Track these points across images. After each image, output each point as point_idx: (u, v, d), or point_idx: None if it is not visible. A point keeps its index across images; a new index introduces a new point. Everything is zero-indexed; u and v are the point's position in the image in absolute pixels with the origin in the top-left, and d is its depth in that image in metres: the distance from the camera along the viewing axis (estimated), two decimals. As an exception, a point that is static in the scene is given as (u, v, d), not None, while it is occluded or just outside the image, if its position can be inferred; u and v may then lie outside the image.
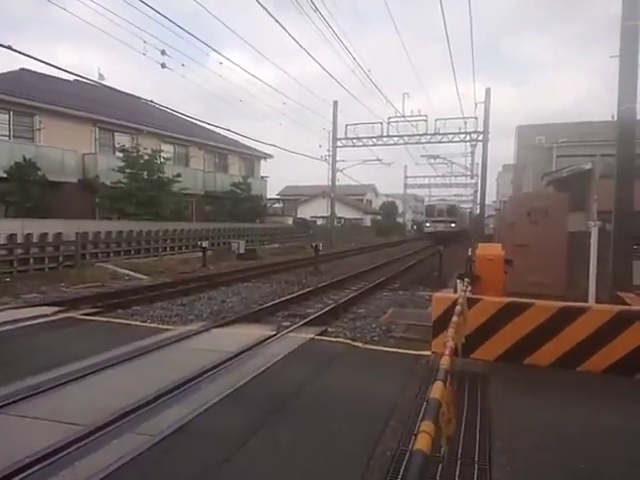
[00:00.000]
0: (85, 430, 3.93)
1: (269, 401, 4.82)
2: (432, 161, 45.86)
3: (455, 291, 7.61)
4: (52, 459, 3.49)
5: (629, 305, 6.85)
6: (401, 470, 3.47)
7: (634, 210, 9.28)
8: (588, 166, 14.52)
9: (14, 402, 4.58)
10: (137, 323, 8.77)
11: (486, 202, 35.00)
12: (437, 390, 2.02)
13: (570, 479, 3.49)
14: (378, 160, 39.88)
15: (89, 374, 5.51)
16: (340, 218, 50.69)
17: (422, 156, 43.96)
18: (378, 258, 24.81)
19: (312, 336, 7.49)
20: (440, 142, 33.12)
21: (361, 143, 34.68)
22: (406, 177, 62.89)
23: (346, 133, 34.68)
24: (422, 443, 1.54)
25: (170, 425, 4.13)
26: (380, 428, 4.18)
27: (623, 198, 9.21)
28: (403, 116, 32.92)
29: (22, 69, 25.92)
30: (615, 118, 9.55)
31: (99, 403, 4.66)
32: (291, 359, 6.34)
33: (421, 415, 4.22)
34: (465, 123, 31.77)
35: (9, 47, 12.37)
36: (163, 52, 17.01)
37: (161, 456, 3.69)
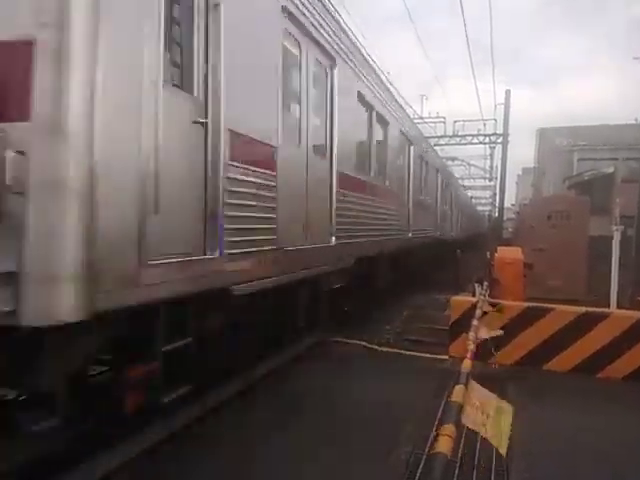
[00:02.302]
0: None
1: (284, 402, 4.84)
2: (450, 163, 45.38)
3: (473, 295, 7.55)
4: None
5: (651, 311, 6.71)
6: (417, 474, 3.45)
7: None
8: (610, 170, 14.28)
9: None
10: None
11: (505, 205, 34.57)
12: (458, 393, 2.01)
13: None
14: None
15: None
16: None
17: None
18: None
19: (327, 337, 7.47)
20: (459, 144, 32.80)
21: (378, 144, 34.46)
22: (423, 178, 62.16)
23: (363, 134, 34.52)
24: (443, 446, 1.54)
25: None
26: (396, 431, 4.15)
27: (646, 202, 9.06)
28: (421, 118, 32.73)
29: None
30: (638, 121, 9.38)
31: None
32: (306, 359, 6.34)
33: (438, 418, 4.19)
34: (484, 125, 31.41)
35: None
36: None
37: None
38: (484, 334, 4.47)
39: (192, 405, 4.46)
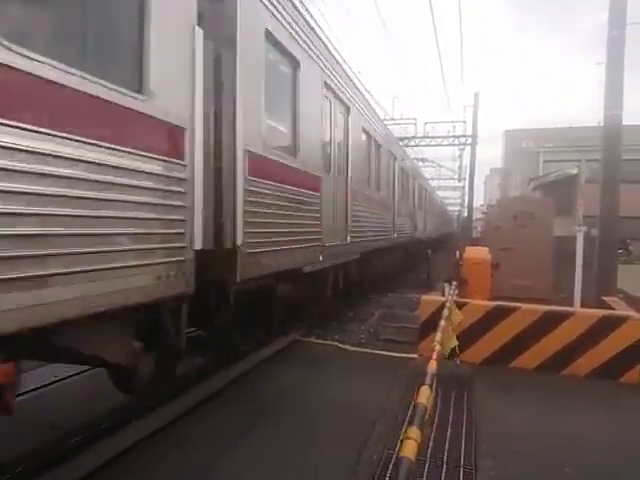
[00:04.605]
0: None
1: (255, 404, 4.80)
2: (421, 164, 45.96)
3: (443, 294, 7.65)
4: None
5: (613, 309, 6.94)
6: (387, 475, 3.47)
7: (619, 215, 9.42)
8: (574, 171, 14.66)
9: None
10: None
11: (474, 205, 35.22)
12: (423, 395, 2.02)
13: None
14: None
15: None
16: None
17: (412, 160, 43.97)
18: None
19: (299, 337, 7.46)
20: (429, 145, 33.27)
21: (350, 145, 34.51)
22: (394, 179, 62.57)
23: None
24: (408, 450, 1.54)
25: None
26: (367, 432, 4.17)
27: (608, 203, 9.36)
28: (392, 119, 33.04)
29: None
30: (601, 124, 9.69)
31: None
32: (278, 360, 6.31)
33: (407, 420, 4.24)
34: (454, 127, 31.98)
35: None
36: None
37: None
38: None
39: (167, 405, 4.43)
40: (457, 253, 10.93)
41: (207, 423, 4.33)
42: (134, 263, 3.20)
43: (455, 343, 4.54)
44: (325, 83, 7.18)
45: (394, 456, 3.63)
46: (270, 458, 3.76)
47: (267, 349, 6.62)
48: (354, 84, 9.03)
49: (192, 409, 4.57)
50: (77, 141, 2.76)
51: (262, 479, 3.49)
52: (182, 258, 3.72)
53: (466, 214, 34.87)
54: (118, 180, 3.05)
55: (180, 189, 3.69)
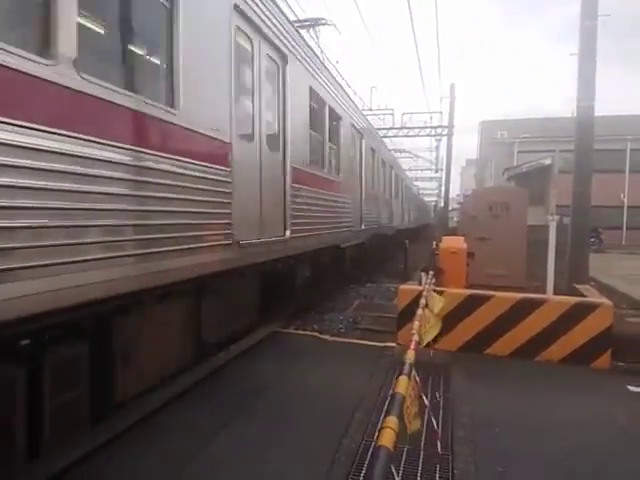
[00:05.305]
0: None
1: (235, 395, 4.78)
2: (398, 154, 46.18)
3: (420, 283, 7.72)
4: None
5: (585, 297, 7.10)
6: (365, 462, 3.50)
7: (591, 204, 9.62)
8: (548, 161, 14.90)
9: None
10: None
11: (450, 195, 35.56)
12: (401, 384, 2.03)
13: (531, 468, 3.59)
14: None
15: None
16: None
17: (389, 150, 44.15)
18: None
19: (278, 328, 7.46)
20: (407, 136, 33.39)
21: (328, 135, 34.43)
22: (372, 170, 62.66)
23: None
24: (386, 439, 1.55)
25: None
26: (346, 421, 4.20)
27: (580, 193, 9.55)
28: (370, 109, 33.03)
29: None
30: (574, 114, 9.85)
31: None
32: (258, 351, 6.30)
33: (385, 409, 4.27)
34: (431, 118, 32.14)
35: None
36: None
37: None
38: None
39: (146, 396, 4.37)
40: (434, 243, 11.03)
41: (184, 417, 4.30)
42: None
43: (438, 330, 4.61)
44: (354, 126, 11.06)
45: (373, 444, 3.66)
46: (251, 449, 3.75)
47: (247, 340, 6.60)
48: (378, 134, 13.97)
49: (171, 400, 4.53)
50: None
51: (243, 471, 3.48)
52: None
53: (443, 204, 35.20)
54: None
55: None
